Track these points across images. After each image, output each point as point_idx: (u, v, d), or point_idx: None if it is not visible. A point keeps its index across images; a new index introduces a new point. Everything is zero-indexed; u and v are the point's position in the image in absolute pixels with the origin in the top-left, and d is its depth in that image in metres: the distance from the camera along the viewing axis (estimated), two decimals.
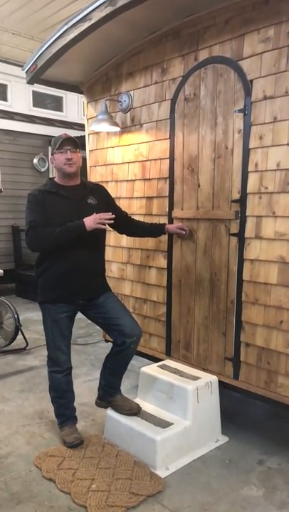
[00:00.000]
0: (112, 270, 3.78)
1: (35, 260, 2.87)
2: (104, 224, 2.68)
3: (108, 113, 3.48)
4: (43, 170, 8.00)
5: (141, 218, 3.38)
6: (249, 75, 2.68)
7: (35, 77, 3.67)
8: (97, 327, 3.12)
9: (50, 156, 2.86)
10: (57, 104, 9.03)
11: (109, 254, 3.63)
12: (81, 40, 3.13)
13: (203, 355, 3.13)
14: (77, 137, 2.87)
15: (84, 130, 4.04)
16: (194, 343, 3.18)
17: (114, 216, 2.73)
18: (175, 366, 3.12)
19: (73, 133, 3.19)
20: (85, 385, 3.79)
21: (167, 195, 3.26)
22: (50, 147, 2.87)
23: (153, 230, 3.19)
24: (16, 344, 4.66)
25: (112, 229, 3.12)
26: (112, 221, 2.72)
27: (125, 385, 3.20)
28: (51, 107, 8.96)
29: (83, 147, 3.24)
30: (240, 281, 2.83)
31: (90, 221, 2.63)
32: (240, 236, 2.80)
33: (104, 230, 2.93)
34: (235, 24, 2.73)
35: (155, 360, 3.42)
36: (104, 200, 2.91)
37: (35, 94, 8.51)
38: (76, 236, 2.64)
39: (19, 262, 7.59)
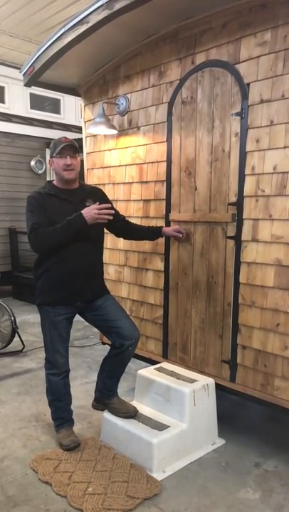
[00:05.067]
0: (109, 273, 3.78)
1: (34, 262, 2.87)
2: (104, 219, 2.68)
3: (105, 116, 3.49)
4: (40, 172, 8.01)
5: (138, 221, 3.39)
6: (246, 79, 2.69)
7: (33, 79, 3.67)
8: (95, 329, 3.12)
9: (48, 158, 2.85)
10: (54, 106, 9.03)
11: (106, 256, 3.62)
12: (78, 43, 3.13)
13: (200, 358, 3.13)
14: (74, 140, 2.87)
15: (81, 132, 4.05)
16: (191, 345, 3.18)
17: (113, 212, 2.73)
18: (172, 369, 3.12)
19: (71, 135, 3.20)
20: (82, 388, 3.79)
21: (164, 197, 3.26)
22: (47, 149, 2.87)
23: (150, 233, 3.19)
24: (13, 346, 4.65)
25: (109, 232, 3.13)
26: (111, 217, 2.71)
27: (122, 388, 3.20)
28: (49, 109, 8.96)
29: (80, 149, 3.24)
30: (237, 283, 2.84)
31: (90, 216, 2.62)
32: (237, 239, 2.81)
33: (103, 233, 2.94)
34: (232, 28, 2.74)
35: (152, 362, 3.42)
36: (103, 203, 2.91)
37: (32, 96, 8.51)
38: (78, 229, 2.64)
39: (16, 264, 7.58)
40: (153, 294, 3.46)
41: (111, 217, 2.72)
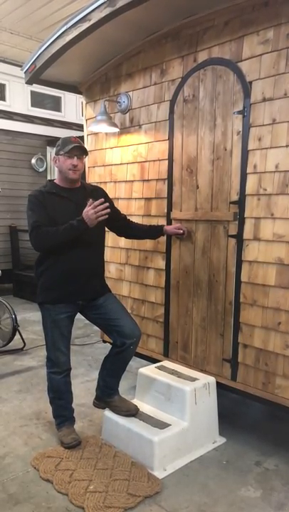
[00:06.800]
0: (110, 271, 3.78)
1: (35, 261, 2.86)
2: (103, 215, 2.63)
3: (107, 114, 3.48)
4: (41, 170, 8.01)
5: (139, 219, 3.39)
6: (248, 77, 2.68)
7: (34, 77, 3.67)
8: (95, 328, 3.12)
9: (54, 155, 2.84)
10: (55, 104, 9.01)
11: (107, 254, 3.63)
12: (80, 41, 3.12)
13: (201, 357, 3.13)
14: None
15: (82, 130, 4.04)
16: (192, 344, 3.18)
17: (107, 204, 2.66)
18: (173, 367, 3.12)
19: (71, 133, 3.20)
20: (83, 386, 3.79)
21: (166, 196, 3.26)
22: (48, 147, 2.84)
23: (151, 232, 3.19)
24: (14, 344, 4.65)
25: (110, 231, 3.12)
26: (108, 210, 2.65)
27: (123, 386, 3.20)
28: (49, 107, 8.94)
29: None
30: (238, 282, 2.84)
31: (89, 219, 2.60)
32: (239, 237, 2.81)
33: (104, 232, 2.94)
34: (234, 26, 2.73)
35: (153, 361, 3.41)
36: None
37: (33, 94, 8.49)
38: (80, 234, 2.63)
39: (17, 263, 7.58)
40: (154, 293, 3.46)
41: (108, 210, 2.66)
